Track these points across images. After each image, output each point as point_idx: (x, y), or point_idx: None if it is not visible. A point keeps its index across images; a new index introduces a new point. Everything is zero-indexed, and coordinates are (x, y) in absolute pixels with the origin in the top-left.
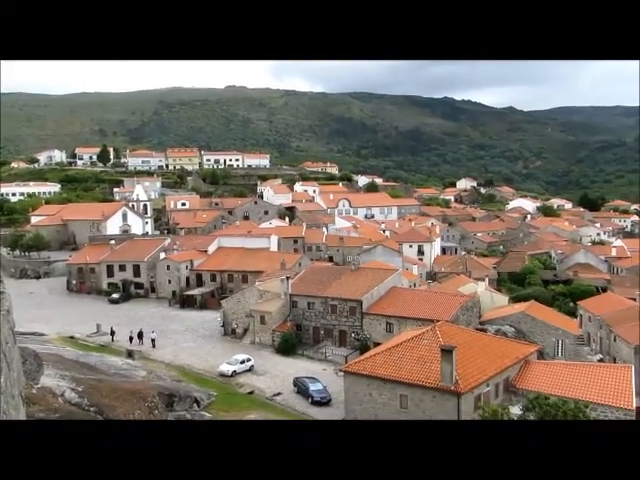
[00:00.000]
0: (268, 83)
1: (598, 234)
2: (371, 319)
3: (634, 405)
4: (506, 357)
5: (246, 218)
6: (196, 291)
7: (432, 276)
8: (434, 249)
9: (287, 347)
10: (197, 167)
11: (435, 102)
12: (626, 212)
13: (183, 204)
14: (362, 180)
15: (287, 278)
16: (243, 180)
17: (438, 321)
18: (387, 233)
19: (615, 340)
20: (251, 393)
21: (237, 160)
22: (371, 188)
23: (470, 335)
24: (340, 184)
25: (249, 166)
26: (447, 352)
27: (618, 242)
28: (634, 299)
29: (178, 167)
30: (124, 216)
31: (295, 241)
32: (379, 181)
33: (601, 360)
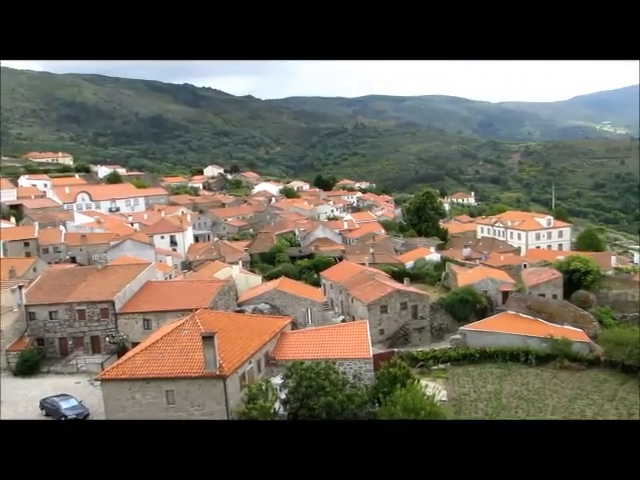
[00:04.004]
0: None
1: (332, 210)
2: (126, 319)
3: (371, 354)
4: (264, 333)
5: None
6: None
7: (188, 265)
8: (187, 238)
9: (28, 367)
10: None
11: (176, 88)
12: (352, 189)
13: None
14: (102, 171)
15: (19, 287)
16: None
17: (197, 309)
18: (135, 226)
19: (352, 301)
20: None
21: None
22: (113, 179)
23: (229, 318)
24: (77, 176)
25: None
26: (208, 338)
27: (348, 216)
28: (364, 264)
29: None
30: None
31: (26, 244)
32: (122, 171)
33: (343, 320)
